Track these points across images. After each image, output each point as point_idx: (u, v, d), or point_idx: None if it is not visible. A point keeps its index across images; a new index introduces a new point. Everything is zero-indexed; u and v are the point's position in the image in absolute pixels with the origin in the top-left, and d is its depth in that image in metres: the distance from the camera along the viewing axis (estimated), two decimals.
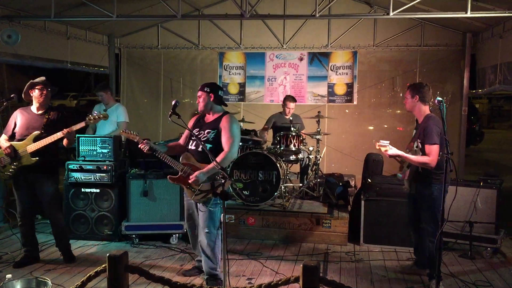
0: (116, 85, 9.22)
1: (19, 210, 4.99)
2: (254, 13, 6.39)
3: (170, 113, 4.17)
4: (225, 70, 8.86)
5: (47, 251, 5.21)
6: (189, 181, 4.25)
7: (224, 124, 4.36)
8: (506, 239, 5.61)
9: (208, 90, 4.43)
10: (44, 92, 4.91)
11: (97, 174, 5.72)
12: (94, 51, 8.54)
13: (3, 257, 5.13)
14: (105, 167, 5.72)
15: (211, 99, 4.43)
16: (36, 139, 4.80)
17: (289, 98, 7.25)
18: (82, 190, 5.79)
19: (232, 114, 4.57)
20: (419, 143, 4.43)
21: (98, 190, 5.77)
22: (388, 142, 4.51)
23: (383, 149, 4.50)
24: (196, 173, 4.22)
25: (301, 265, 2.61)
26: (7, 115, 5.64)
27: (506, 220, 5.62)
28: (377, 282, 4.69)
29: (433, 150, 4.30)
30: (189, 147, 4.48)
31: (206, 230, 4.34)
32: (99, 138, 5.87)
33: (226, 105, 4.62)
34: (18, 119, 4.93)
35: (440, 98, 4.02)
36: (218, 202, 4.28)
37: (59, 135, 4.74)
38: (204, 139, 4.36)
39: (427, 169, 4.38)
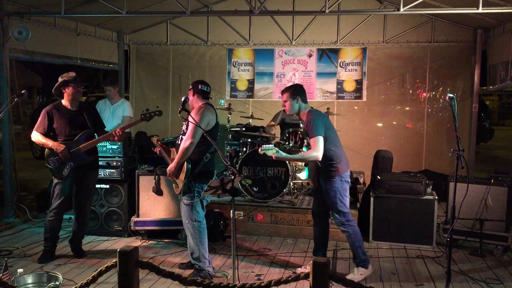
0: (125, 82, 9.27)
1: (57, 204, 4.91)
2: (263, 9, 6.37)
3: (179, 109, 4.23)
4: (234, 66, 8.85)
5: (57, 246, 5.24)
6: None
7: (190, 116, 4.36)
8: None
9: (190, 87, 4.58)
10: (79, 89, 4.93)
11: (106, 170, 5.76)
12: (103, 48, 8.58)
13: (14, 252, 5.18)
14: (114, 163, 5.76)
15: (191, 95, 4.55)
16: (88, 137, 4.87)
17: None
18: None
19: (207, 105, 4.50)
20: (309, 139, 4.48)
21: (107, 186, 5.81)
22: (273, 145, 4.38)
23: (269, 153, 4.31)
24: (170, 165, 4.46)
25: (311, 261, 2.60)
26: (17, 111, 5.67)
27: None
28: (386, 278, 4.67)
29: (316, 142, 4.34)
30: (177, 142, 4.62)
31: (186, 221, 4.51)
32: None
33: (207, 99, 4.62)
34: (54, 117, 4.84)
35: (451, 95, 4.00)
36: (191, 200, 4.42)
37: (119, 135, 4.80)
38: (181, 133, 4.55)
39: (326, 163, 4.44)
